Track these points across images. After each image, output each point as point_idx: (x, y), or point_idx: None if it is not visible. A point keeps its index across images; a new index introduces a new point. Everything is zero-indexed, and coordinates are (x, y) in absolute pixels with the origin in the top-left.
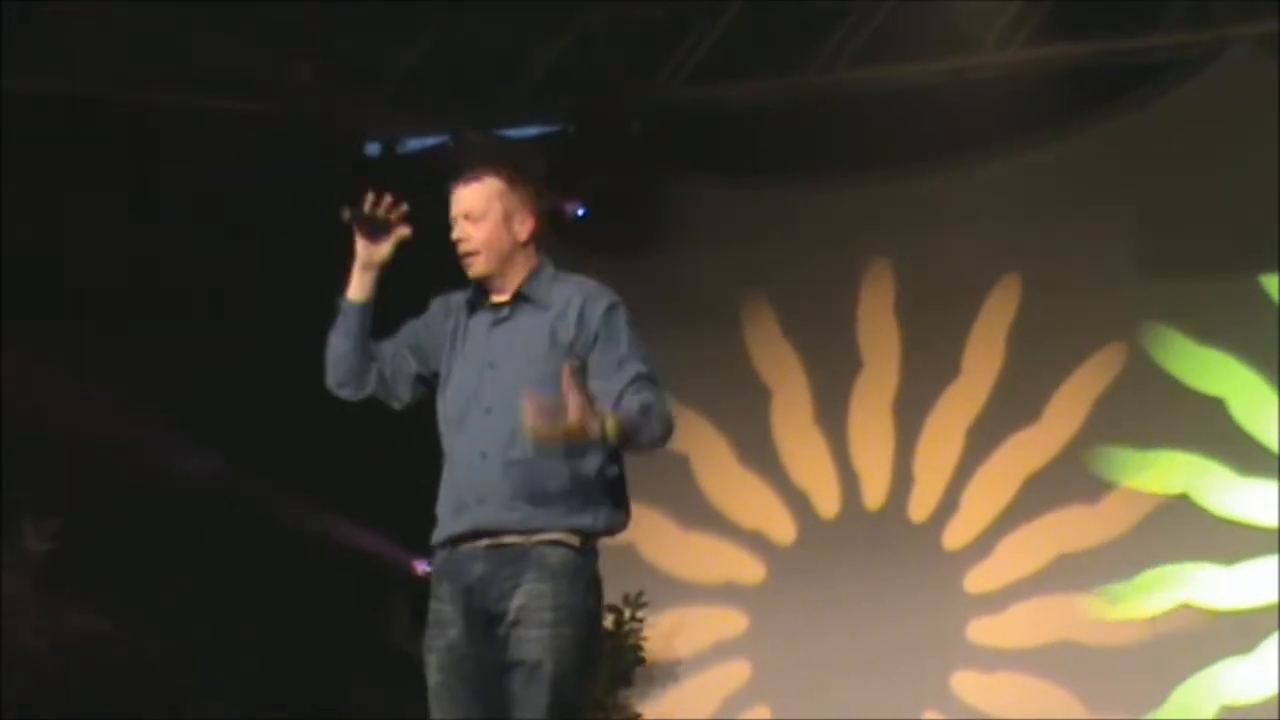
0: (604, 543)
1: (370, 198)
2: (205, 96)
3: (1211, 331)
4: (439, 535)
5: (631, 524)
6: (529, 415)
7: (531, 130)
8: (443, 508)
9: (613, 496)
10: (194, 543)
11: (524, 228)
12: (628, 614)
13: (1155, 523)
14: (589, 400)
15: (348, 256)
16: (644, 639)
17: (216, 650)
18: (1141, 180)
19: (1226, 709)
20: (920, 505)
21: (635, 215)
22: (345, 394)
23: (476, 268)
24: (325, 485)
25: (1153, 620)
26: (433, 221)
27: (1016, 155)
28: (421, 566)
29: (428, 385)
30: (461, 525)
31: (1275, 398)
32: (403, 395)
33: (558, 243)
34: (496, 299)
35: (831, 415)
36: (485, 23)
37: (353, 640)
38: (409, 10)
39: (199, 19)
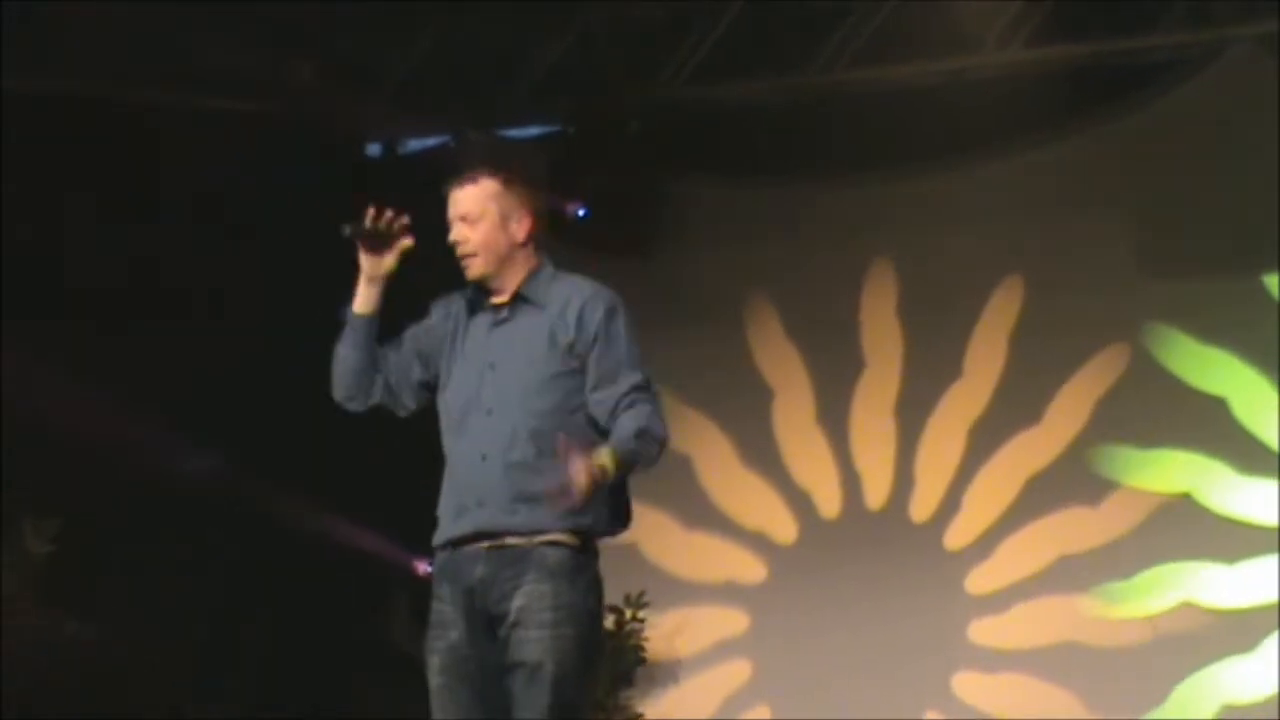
0: (605, 542)
1: (371, 212)
2: (205, 96)
3: (1213, 331)
4: (440, 537)
5: (633, 524)
6: (549, 505)
7: (531, 130)
8: (444, 510)
9: (614, 497)
10: (194, 543)
11: (521, 228)
12: (629, 614)
13: (1157, 522)
14: (587, 459)
15: (348, 257)
16: (645, 639)
17: (216, 650)
18: (1142, 180)
19: (1227, 708)
20: (922, 505)
21: (636, 215)
22: (354, 407)
23: (474, 269)
24: (325, 485)
25: (1154, 619)
26: (433, 222)
27: (1017, 155)
28: (422, 566)
29: (432, 391)
30: (462, 528)
31: (1277, 397)
32: (408, 403)
33: (558, 243)
34: (496, 300)
35: (833, 415)
36: (485, 23)
37: (353, 640)
38: (409, 10)
39: (199, 19)
